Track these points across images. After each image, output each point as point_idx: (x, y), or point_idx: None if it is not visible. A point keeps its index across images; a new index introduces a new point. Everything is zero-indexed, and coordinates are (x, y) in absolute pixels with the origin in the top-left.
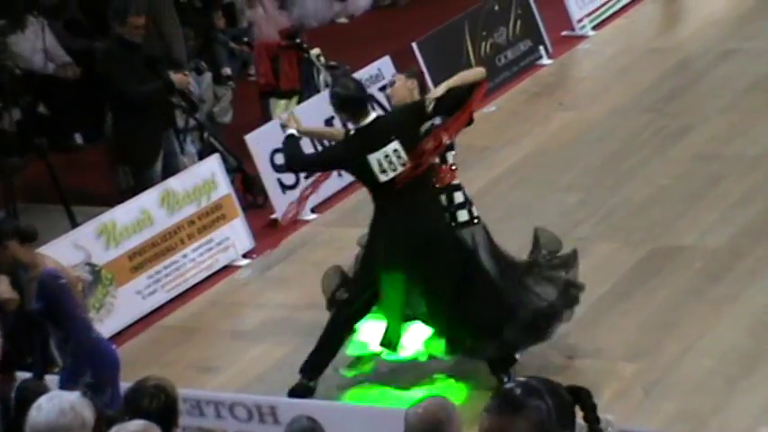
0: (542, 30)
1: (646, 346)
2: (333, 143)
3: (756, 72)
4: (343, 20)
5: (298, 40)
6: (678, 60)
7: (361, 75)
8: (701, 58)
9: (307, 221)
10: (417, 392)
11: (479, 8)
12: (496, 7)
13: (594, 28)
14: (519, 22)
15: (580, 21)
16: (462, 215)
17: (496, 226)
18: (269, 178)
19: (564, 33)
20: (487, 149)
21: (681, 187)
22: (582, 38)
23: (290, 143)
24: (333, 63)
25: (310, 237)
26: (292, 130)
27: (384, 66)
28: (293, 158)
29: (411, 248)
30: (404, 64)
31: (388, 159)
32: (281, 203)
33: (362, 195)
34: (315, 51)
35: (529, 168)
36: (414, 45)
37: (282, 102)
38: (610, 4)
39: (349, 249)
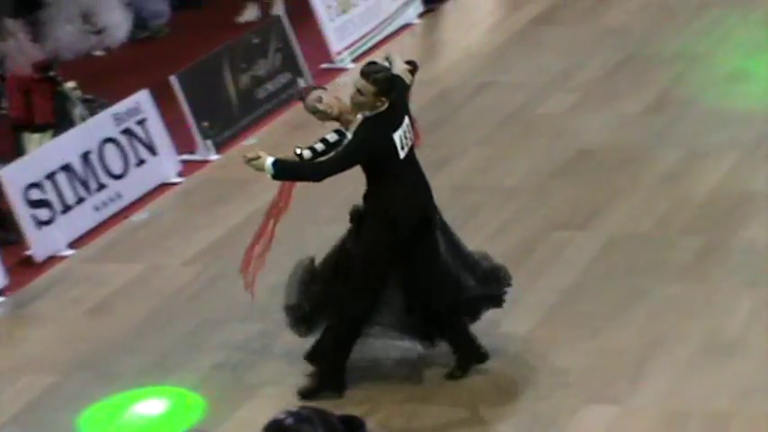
0: (302, 62)
1: (407, 376)
2: (349, 137)
3: (511, 104)
4: (99, 52)
5: (51, 73)
6: (436, 92)
7: (119, 108)
8: (458, 91)
9: (63, 257)
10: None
11: (238, 41)
12: (255, 40)
13: (354, 60)
14: (278, 55)
15: (339, 53)
16: None
17: None
18: (23, 213)
19: (323, 66)
20: (248, 182)
21: None
22: (341, 70)
23: (288, 165)
24: (89, 96)
25: (67, 273)
26: (271, 157)
27: (142, 99)
28: (308, 173)
29: (426, 220)
30: (163, 96)
31: (405, 134)
32: (35, 239)
33: (121, 229)
34: (70, 84)
35: None
36: (172, 78)
37: (36, 136)
38: (369, 36)
39: (108, 285)
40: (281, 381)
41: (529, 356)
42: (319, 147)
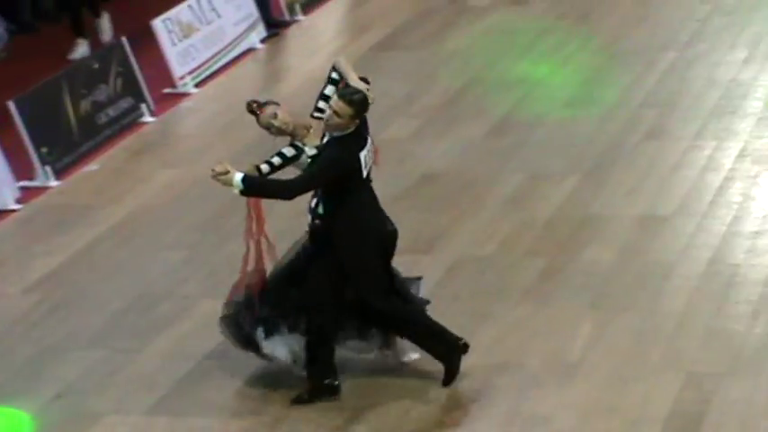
0: (143, 87)
1: (253, 403)
2: (307, 151)
3: None
4: None
5: None
6: None
7: None
8: (302, 116)
9: None
10: None
11: (78, 66)
12: (96, 65)
13: (197, 85)
14: (120, 80)
15: (182, 78)
16: None
17: (99, 285)
18: None
19: (166, 91)
20: (89, 208)
21: (286, 244)
22: (185, 95)
23: (257, 181)
24: None
25: None
26: (240, 173)
27: None
28: (277, 189)
29: (393, 232)
30: (0, 122)
31: (369, 154)
32: None
33: None
34: None
35: (132, 227)
36: (10, 103)
37: None
38: (211, 61)
39: None
40: (124, 408)
41: (374, 380)
42: (276, 161)
